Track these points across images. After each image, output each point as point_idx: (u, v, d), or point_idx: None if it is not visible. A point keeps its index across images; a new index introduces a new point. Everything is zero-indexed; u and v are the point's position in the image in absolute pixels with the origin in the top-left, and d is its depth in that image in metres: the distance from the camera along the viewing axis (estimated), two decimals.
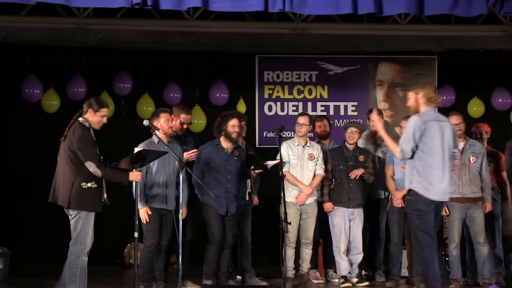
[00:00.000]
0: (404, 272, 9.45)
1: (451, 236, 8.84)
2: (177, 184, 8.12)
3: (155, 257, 8.27)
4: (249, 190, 9.10)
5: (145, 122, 8.05)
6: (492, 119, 10.88)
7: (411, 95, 7.38)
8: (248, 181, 9.03)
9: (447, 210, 8.70)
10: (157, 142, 8.13)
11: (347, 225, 9.05)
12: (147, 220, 8.05)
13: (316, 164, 9.15)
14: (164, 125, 8.19)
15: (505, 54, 11.58)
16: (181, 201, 7.83)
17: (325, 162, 9.20)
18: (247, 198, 9.07)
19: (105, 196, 7.42)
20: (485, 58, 11.62)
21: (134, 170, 7.43)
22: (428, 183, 7.13)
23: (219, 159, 8.50)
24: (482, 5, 8.73)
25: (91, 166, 7.18)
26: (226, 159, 8.53)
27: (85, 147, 7.22)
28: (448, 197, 7.27)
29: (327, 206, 9.10)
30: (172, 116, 8.62)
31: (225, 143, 8.57)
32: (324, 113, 11.23)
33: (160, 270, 8.33)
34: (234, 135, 8.56)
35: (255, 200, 9.28)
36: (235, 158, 8.59)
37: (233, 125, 8.55)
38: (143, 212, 8.01)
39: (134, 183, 7.79)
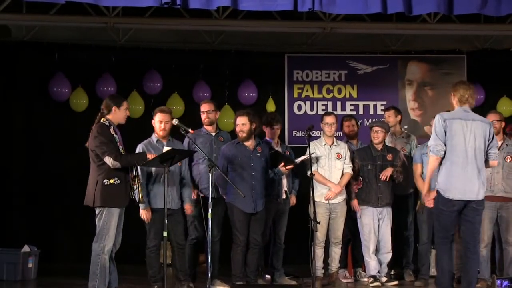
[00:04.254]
0: (433, 271, 9.39)
1: (480, 235, 8.80)
2: (181, 182, 8.27)
3: (178, 257, 8.31)
4: (285, 189, 9.08)
5: (175, 121, 8.09)
6: None
7: (451, 95, 7.45)
8: (284, 179, 9.03)
9: None
10: (156, 142, 8.19)
11: (376, 224, 9.04)
12: (148, 220, 8.09)
13: (344, 163, 9.14)
14: (156, 125, 8.21)
15: None
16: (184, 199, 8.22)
17: (352, 161, 9.19)
18: (284, 196, 9.05)
19: (140, 196, 7.51)
20: None
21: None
22: (449, 182, 7.13)
23: (241, 157, 8.47)
24: (511, 4, 8.70)
25: (109, 161, 7.29)
26: (249, 156, 8.50)
27: (101, 143, 7.32)
28: (474, 196, 7.13)
29: (354, 203, 9.09)
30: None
31: (246, 141, 8.56)
32: (354, 113, 11.23)
33: (183, 270, 8.34)
34: (240, 134, 8.53)
35: (293, 200, 9.24)
36: (258, 154, 8.56)
37: (237, 123, 8.54)
38: (144, 213, 8.05)
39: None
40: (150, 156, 7.56)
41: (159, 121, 8.21)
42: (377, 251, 9.08)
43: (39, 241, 10.01)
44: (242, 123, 8.50)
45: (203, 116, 8.77)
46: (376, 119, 10.71)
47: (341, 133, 9.92)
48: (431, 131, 8.96)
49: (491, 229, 8.73)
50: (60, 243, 11.08)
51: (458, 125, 7.16)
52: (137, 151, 8.05)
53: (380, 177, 9.01)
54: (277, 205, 8.96)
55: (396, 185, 9.23)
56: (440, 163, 7.22)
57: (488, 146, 7.23)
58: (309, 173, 8.71)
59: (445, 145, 7.16)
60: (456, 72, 11.59)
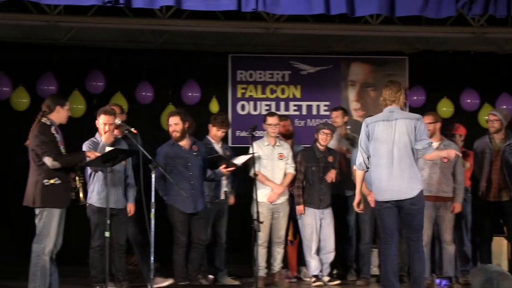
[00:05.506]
0: (375, 270, 9.51)
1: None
2: (125, 182, 8.24)
3: (118, 257, 8.27)
4: (225, 189, 9.11)
5: (117, 121, 8.04)
6: (461, 119, 10.97)
7: None
8: (224, 180, 9.04)
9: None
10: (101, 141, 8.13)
11: (318, 224, 9.09)
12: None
13: (286, 163, 9.18)
14: (100, 126, 8.14)
15: (474, 55, 11.75)
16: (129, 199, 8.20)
17: (298, 163, 9.22)
18: (223, 197, 9.08)
19: (81, 195, 7.45)
20: (454, 59, 11.76)
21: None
22: (377, 184, 7.22)
23: (178, 158, 8.47)
24: (451, 6, 8.85)
25: (48, 161, 7.22)
26: (185, 156, 8.50)
27: (41, 143, 7.26)
28: (405, 195, 7.13)
29: (300, 208, 9.10)
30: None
31: (180, 141, 8.53)
32: (297, 113, 11.32)
33: (121, 271, 8.31)
34: (173, 134, 8.52)
35: (231, 199, 9.28)
36: (194, 153, 8.56)
37: (169, 124, 8.54)
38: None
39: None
40: (90, 154, 7.50)
41: (103, 123, 8.13)
42: (319, 250, 9.13)
43: None
44: (175, 123, 8.52)
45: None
46: (320, 120, 10.78)
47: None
48: None
49: (431, 228, 8.83)
50: (1, 245, 10.88)
51: (381, 127, 7.21)
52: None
53: (326, 178, 9.07)
54: (217, 205, 8.97)
55: (336, 185, 9.30)
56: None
57: (415, 142, 7.18)
58: (252, 173, 8.75)
59: (369, 151, 7.23)
60: (398, 73, 11.70)
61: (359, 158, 7.34)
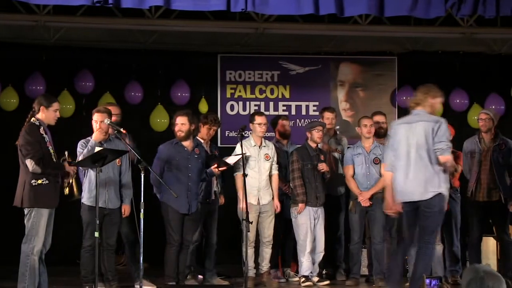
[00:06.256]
0: (364, 270, 9.53)
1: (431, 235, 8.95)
2: (120, 182, 8.21)
3: (107, 258, 8.26)
4: (215, 189, 9.09)
5: (106, 121, 8.03)
6: (450, 119, 10.95)
7: None
8: (214, 180, 9.03)
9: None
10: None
11: (312, 224, 9.08)
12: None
13: (272, 164, 9.17)
14: (94, 125, 8.13)
15: (463, 55, 11.77)
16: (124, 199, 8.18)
17: (293, 161, 9.19)
18: (213, 197, 9.06)
19: (75, 189, 7.43)
20: (443, 59, 11.77)
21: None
22: (394, 185, 7.26)
23: (179, 158, 8.45)
24: (440, 7, 8.89)
25: (30, 164, 7.19)
26: (187, 157, 8.48)
27: (26, 143, 7.23)
28: (417, 197, 7.15)
29: (302, 206, 9.05)
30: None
31: (184, 142, 8.54)
32: (286, 113, 11.30)
33: (111, 271, 8.31)
34: (178, 134, 8.52)
35: (222, 199, 9.27)
36: (196, 156, 8.54)
37: (176, 123, 8.53)
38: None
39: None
40: (69, 169, 7.45)
41: (95, 121, 8.15)
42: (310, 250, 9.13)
43: None
44: (182, 123, 8.50)
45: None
46: (309, 120, 10.78)
47: (274, 132, 9.90)
48: (361, 131, 9.23)
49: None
50: None
51: (402, 130, 7.27)
52: (77, 149, 8.02)
53: (319, 167, 9.04)
54: (207, 206, 8.96)
55: (327, 184, 9.31)
56: None
57: (433, 144, 7.17)
58: (241, 173, 8.71)
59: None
60: (387, 73, 11.75)
61: (386, 160, 7.45)
